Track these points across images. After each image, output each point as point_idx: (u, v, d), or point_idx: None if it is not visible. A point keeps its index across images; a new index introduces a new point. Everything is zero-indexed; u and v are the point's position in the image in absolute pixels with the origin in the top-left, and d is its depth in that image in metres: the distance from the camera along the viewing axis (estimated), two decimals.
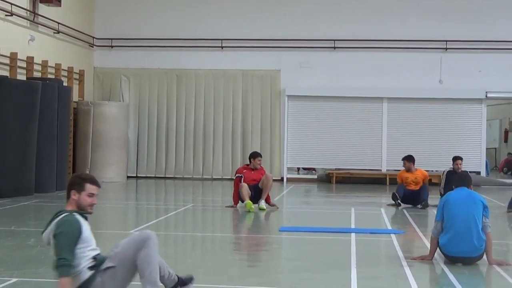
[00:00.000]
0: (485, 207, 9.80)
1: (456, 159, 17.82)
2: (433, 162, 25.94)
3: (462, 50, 26.98)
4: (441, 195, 15.38)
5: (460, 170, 17.13)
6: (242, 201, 16.26)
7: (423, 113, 27.30)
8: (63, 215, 6.88)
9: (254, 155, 16.97)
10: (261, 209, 16.14)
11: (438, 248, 9.89)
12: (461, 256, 9.69)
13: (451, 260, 9.77)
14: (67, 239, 6.76)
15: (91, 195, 7.06)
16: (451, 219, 9.75)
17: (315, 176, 28.25)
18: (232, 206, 16.59)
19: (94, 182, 7.12)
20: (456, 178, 10.70)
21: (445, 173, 17.91)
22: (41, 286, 8.09)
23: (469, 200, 9.82)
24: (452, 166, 17.82)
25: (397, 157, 26.98)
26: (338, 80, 27.22)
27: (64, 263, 6.66)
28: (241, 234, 13.60)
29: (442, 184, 17.66)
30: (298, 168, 30.15)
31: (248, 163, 17.05)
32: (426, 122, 27.21)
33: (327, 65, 27.33)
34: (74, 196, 7.00)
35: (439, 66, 27.02)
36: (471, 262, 9.71)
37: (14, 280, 8.29)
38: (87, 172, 24.97)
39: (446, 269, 9.40)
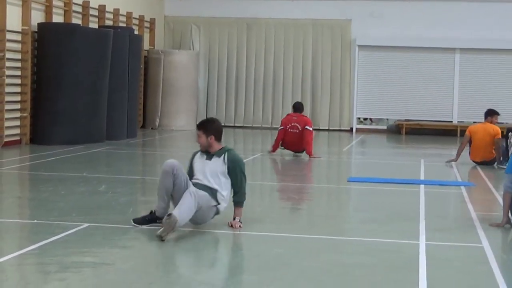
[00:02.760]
0: None
1: None
2: (505, 114, 25.41)
3: None
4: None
5: None
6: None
7: (496, 65, 26.77)
8: None
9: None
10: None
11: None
12: None
13: None
14: None
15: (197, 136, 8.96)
16: None
17: (385, 127, 28.04)
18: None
19: (197, 126, 9.21)
20: None
21: None
22: (112, 231, 8.23)
23: None
24: None
25: (468, 109, 26.74)
26: (409, 30, 26.81)
27: None
28: (310, 184, 13.62)
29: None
30: (371, 119, 29.78)
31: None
32: (499, 74, 26.69)
33: (398, 15, 26.92)
34: None
35: None
36: None
37: (86, 225, 8.45)
38: (158, 120, 25.22)
39: None
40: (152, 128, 25.29)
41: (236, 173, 8.51)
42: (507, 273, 6.92)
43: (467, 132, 16.22)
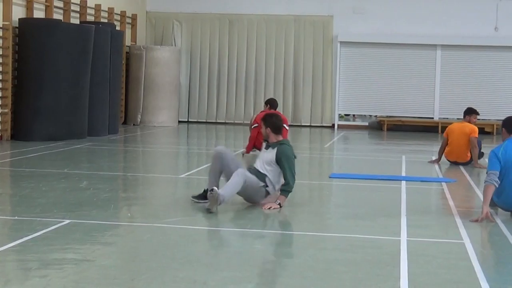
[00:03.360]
0: None
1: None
2: (486, 110, 25.58)
3: None
4: None
5: None
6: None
7: (477, 61, 26.92)
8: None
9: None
10: None
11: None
12: None
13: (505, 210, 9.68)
14: None
15: None
16: (509, 176, 9.37)
17: (366, 123, 28.12)
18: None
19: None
20: (507, 123, 9.93)
21: None
22: (93, 227, 8.21)
23: None
24: None
25: (449, 105, 26.86)
26: (391, 26, 26.89)
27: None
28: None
29: None
30: (354, 115, 29.77)
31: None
32: (480, 70, 26.84)
33: (380, 11, 26.99)
34: None
35: (495, 13, 26.51)
36: None
37: (67, 221, 8.42)
38: (139, 116, 25.17)
39: (497, 219, 9.33)
40: (133, 124, 25.25)
41: (283, 164, 9.71)
42: (488, 269, 6.96)
43: (445, 132, 15.94)
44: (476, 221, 9.02)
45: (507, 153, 9.41)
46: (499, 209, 9.70)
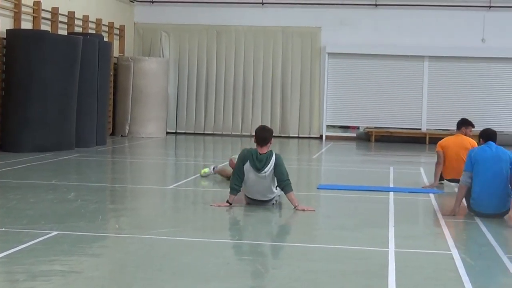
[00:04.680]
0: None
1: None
2: (473, 121, 25.58)
3: (506, 8, 26.56)
4: None
5: None
6: None
7: (464, 72, 27.01)
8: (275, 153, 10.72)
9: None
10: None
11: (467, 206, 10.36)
12: (487, 213, 10.15)
13: (478, 215, 10.20)
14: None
15: None
16: (479, 177, 10.18)
17: (354, 135, 28.15)
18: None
19: None
20: (483, 134, 10.80)
21: None
22: (81, 239, 8.19)
23: (496, 158, 10.23)
24: None
25: (437, 116, 26.93)
26: (378, 38, 26.97)
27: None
28: (280, 192, 13.58)
29: None
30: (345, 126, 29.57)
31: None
32: (468, 81, 26.93)
33: (368, 23, 27.08)
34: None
35: (482, 25, 26.63)
36: (499, 216, 10.18)
37: (54, 233, 8.40)
38: (127, 127, 25.14)
39: (484, 229, 9.36)
40: (121, 136, 25.21)
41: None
42: (475, 280, 6.96)
43: (439, 149, 13.81)
44: (449, 215, 10.19)
45: (482, 152, 10.34)
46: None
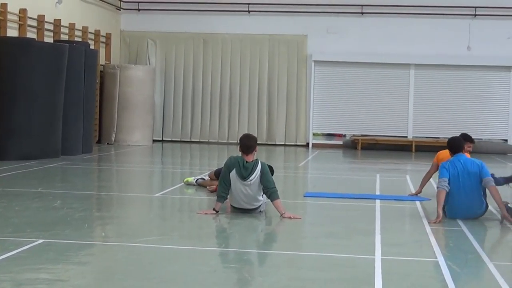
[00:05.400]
0: (482, 168, 10.65)
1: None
2: (459, 129, 25.72)
3: (491, 16, 26.69)
4: None
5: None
6: None
7: (450, 80, 27.13)
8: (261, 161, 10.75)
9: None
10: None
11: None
12: (464, 218, 10.63)
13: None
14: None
15: None
16: (451, 192, 10.63)
17: (341, 142, 28.19)
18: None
19: None
20: (451, 144, 11.14)
21: None
22: (67, 247, 8.16)
23: (465, 173, 10.67)
24: None
25: (423, 124, 27.02)
26: (365, 46, 27.05)
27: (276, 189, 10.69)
28: (266, 200, 13.58)
29: None
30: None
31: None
32: (453, 89, 27.06)
33: (354, 31, 27.15)
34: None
35: (468, 33, 26.76)
36: (475, 218, 10.74)
37: (40, 241, 8.36)
38: (113, 135, 25.10)
39: (470, 236, 9.38)
40: (108, 143, 25.16)
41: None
42: (461, 287, 6.97)
43: (435, 161, 13.15)
44: (434, 222, 10.22)
45: (452, 168, 10.71)
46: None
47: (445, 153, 12.65)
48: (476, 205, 10.72)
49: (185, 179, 14.34)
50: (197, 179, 14.17)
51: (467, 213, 10.72)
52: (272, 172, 11.48)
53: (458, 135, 11.99)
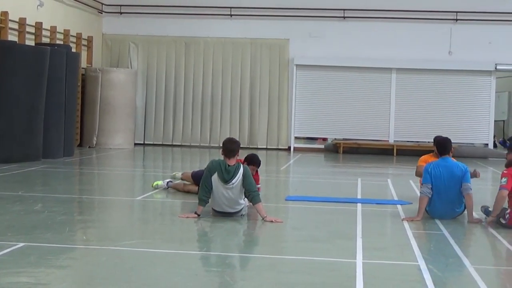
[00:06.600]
0: (465, 173, 10.95)
1: None
2: (440, 134, 25.74)
3: (472, 21, 26.82)
4: None
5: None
6: None
7: (431, 85, 27.22)
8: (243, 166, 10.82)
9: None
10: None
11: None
12: (443, 217, 11.06)
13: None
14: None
15: None
16: (434, 191, 10.99)
17: (323, 146, 28.23)
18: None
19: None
20: (440, 144, 11.43)
21: None
22: (48, 250, 8.13)
23: (449, 175, 10.93)
24: None
25: (404, 128, 27.10)
26: (347, 50, 27.11)
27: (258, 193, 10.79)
28: (247, 203, 13.59)
29: None
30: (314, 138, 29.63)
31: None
32: (435, 94, 27.14)
33: (336, 35, 27.21)
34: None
35: (449, 38, 26.88)
36: (453, 218, 11.16)
37: (21, 244, 8.33)
38: (95, 138, 25.03)
39: (451, 240, 9.42)
40: (89, 147, 25.09)
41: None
42: None
43: (421, 163, 12.62)
44: (411, 221, 10.80)
45: (436, 170, 10.97)
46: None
47: (430, 157, 12.63)
48: (455, 205, 11.12)
49: (155, 183, 14.24)
50: (168, 182, 14.11)
51: (447, 212, 11.10)
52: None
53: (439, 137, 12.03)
